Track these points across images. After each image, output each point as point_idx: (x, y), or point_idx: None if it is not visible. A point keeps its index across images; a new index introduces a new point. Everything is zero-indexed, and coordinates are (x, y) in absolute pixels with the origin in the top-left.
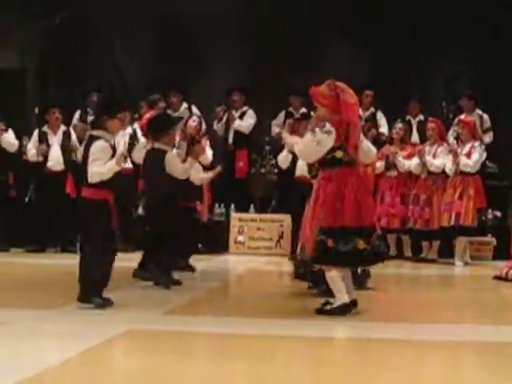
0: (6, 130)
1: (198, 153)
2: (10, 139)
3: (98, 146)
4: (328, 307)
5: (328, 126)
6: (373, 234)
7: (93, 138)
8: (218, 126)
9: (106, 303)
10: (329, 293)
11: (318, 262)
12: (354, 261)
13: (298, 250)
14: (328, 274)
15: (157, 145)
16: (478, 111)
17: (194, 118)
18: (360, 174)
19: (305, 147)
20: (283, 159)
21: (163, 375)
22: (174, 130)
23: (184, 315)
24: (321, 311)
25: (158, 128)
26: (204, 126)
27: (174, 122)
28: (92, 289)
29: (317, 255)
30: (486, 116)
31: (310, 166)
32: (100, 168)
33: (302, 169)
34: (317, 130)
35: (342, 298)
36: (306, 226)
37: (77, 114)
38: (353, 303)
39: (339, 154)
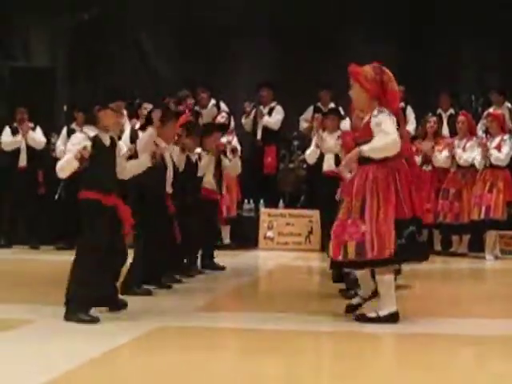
0: (34, 129)
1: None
2: (36, 137)
3: (72, 137)
4: (373, 315)
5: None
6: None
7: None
8: (245, 121)
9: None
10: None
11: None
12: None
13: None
14: (385, 277)
15: None
16: (508, 104)
17: (223, 114)
18: (403, 162)
19: (393, 132)
20: (310, 154)
21: (194, 371)
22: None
23: (214, 311)
24: (363, 318)
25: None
26: (232, 123)
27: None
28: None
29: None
30: None
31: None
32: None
33: (329, 164)
34: (382, 115)
35: (392, 305)
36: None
37: None
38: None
39: None
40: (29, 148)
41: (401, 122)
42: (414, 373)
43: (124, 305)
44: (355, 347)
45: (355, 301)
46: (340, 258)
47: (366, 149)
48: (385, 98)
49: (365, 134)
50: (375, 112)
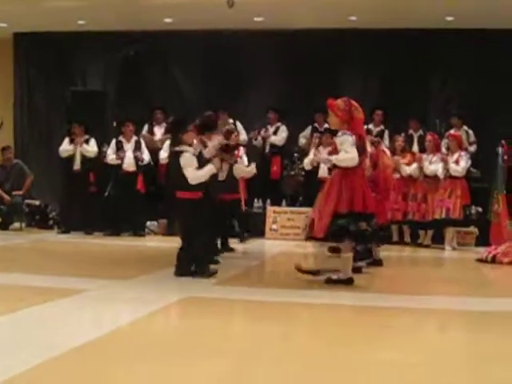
0: (88, 141)
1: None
2: (88, 148)
3: (184, 157)
4: (335, 277)
5: (349, 132)
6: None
7: (177, 153)
8: (256, 142)
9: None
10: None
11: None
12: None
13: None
14: (345, 255)
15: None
16: (465, 127)
17: (236, 132)
18: (363, 172)
19: (352, 152)
20: (308, 163)
21: (211, 333)
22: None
23: (229, 286)
24: (329, 281)
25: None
26: (244, 137)
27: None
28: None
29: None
30: (471, 131)
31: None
32: (193, 174)
33: (323, 171)
34: (345, 136)
35: (349, 273)
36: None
37: (145, 127)
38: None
39: None
40: (82, 155)
41: (363, 140)
42: (385, 336)
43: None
44: (340, 316)
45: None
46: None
47: (334, 158)
48: (352, 123)
49: (334, 148)
50: (339, 133)
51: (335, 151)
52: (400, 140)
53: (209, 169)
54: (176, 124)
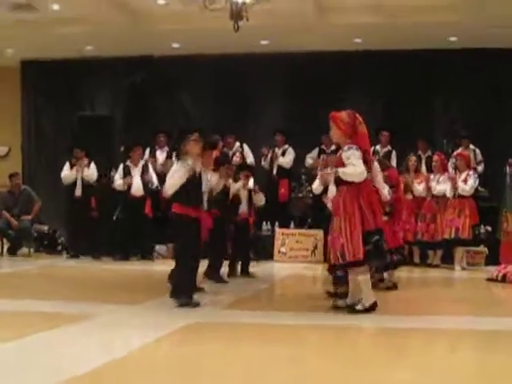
0: (89, 165)
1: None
2: (89, 173)
3: (175, 165)
4: (360, 307)
5: (350, 146)
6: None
7: None
8: (264, 163)
9: (189, 303)
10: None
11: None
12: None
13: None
14: (362, 277)
15: None
16: (472, 147)
17: (237, 154)
18: (368, 185)
19: (360, 165)
20: (316, 187)
21: (219, 357)
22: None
23: (237, 310)
24: (354, 311)
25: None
26: (251, 160)
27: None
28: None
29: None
30: (478, 150)
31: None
32: (169, 181)
33: (332, 193)
34: (351, 150)
35: (372, 297)
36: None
37: (147, 151)
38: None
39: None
40: (83, 181)
41: (369, 155)
42: (399, 359)
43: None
44: (352, 338)
45: (340, 303)
46: (334, 262)
47: (340, 170)
48: (356, 137)
49: (338, 163)
50: (346, 147)
51: (341, 166)
52: (413, 160)
53: (180, 176)
54: (181, 134)
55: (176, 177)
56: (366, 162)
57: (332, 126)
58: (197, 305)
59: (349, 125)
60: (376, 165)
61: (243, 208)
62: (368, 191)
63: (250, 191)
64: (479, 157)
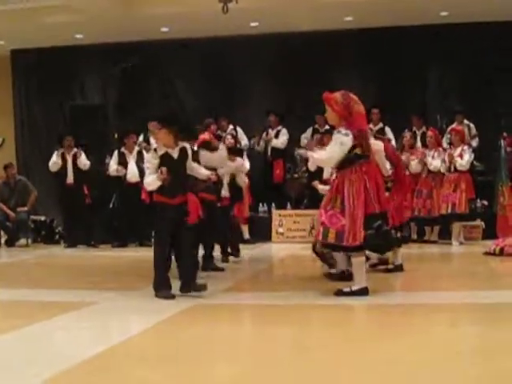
0: (80, 154)
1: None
2: (83, 160)
3: (146, 156)
4: (348, 289)
5: (344, 129)
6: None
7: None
8: (257, 147)
9: (167, 296)
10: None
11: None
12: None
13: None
14: (357, 259)
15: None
16: (466, 121)
17: (228, 137)
18: (374, 167)
19: (331, 152)
20: (312, 165)
21: (222, 339)
22: None
23: (237, 291)
24: (340, 293)
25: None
26: (245, 142)
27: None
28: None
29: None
30: (472, 125)
31: None
32: (146, 178)
33: (327, 172)
34: (336, 134)
35: (363, 282)
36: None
37: (141, 137)
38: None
39: (359, 150)
40: (75, 168)
41: (364, 134)
42: (397, 333)
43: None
44: (351, 316)
45: (333, 270)
46: (320, 238)
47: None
48: (351, 118)
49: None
50: (335, 131)
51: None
52: (408, 136)
53: (153, 179)
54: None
55: (149, 178)
56: (361, 143)
57: (327, 108)
58: (173, 297)
59: (343, 105)
60: (375, 141)
61: (225, 192)
62: (374, 172)
63: (233, 175)
64: (473, 131)
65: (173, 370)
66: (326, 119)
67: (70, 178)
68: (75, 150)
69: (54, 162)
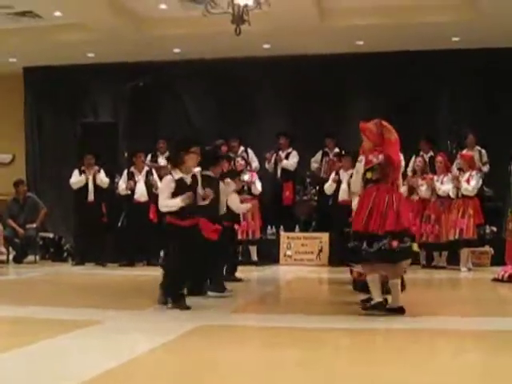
0: (99, 171)
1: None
2: (103, 178)
3: (164, 180)
4: (367, 305)
5: (360, 156)
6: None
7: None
8: (268, 166)
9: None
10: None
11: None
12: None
13: None
14: (370, 277)
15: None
16: (478, 147)
17: (239, 159)
18: (390, 189)
19: (353, 181)
20: (329, 187)
21: (228, 361)
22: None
23: (245, 313)
24: (365, 308)
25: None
26: (256, 164)
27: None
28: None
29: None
30: (483, 151)
31: None
32: (164, 201)
33: (343, 194)
34: (357, 164)
35: (377, 297)
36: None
37: (149, 157)
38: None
39: (369, 174)
40: (95, 186)
41: (393, 167)
42: (403, 359)
43: None
44: (359, 340)
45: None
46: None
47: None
48: (384, 144)
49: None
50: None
51: None
52: (418, 161)
53: (176, 202)
54: (178, 144)
55: (169, 201)
56: (381, 169)
57: (363, 138)
58: (188, 308)
59: (376, 134)
60: None
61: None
62: (385, 193)
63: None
64: (485, 157)
65: None
66: (332, 144)
67: (91, 196)
68: (96, 168)
69: (78, 180)
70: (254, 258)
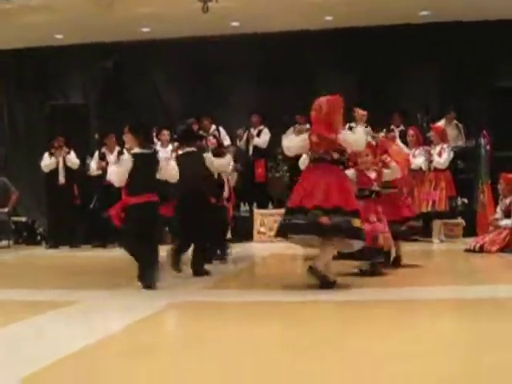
0: (69, 153)
1: None
2: (72, 159)
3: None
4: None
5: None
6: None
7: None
8: (240, 144)
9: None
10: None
11: None
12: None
13: None
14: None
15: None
16: (455, 122)
17: (210, 137)
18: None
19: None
20: (303, 161)
21: (203, 337)
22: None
23: (218, 289)
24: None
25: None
26: (227, 142)
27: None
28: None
29: None
30: (461, 125)
31: None
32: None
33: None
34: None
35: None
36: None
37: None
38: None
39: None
40: (66, 168)
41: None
42: (380, 325)
43: None
44: (331, 312)
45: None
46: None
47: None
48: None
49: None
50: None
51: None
52: (411, 134)
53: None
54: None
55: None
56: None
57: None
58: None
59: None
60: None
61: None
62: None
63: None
64: (462, 131)
65: (158, 362)
66: (307, 119)
67: (62, 178)
68: (65, 149)
69: (49, 163)
70: (229, 235)
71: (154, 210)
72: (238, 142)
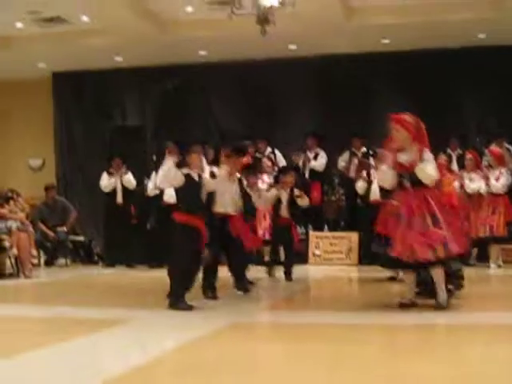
0: (126, 173)
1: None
2: (129, 179)
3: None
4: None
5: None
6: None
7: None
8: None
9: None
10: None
11: None
12: None
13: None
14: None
15: None
16: (506, 145)
17: (265, 159)
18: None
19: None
20: (361, 186)
21: (260, 355)
22: None
23: (275, 310)
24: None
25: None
26: (283, 164)
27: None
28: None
29: None
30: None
31: None
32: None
33: (375, 194)
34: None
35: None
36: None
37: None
38: None
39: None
40: (123, 188)
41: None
42: (435, 356)
43: None
44: (392, 335)
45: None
46: (430, 257)
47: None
48: (423, 140)
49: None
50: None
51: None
52: (443, 159)
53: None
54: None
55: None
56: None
57: (397, 128)
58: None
59: (412, 125)
60: None
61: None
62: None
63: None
64: None
65: (213, 381)
66: (359, 143)
67: (120, 198)
68: (123, 169)
69: (107, 183)
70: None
71: None
72: (295, 160)
